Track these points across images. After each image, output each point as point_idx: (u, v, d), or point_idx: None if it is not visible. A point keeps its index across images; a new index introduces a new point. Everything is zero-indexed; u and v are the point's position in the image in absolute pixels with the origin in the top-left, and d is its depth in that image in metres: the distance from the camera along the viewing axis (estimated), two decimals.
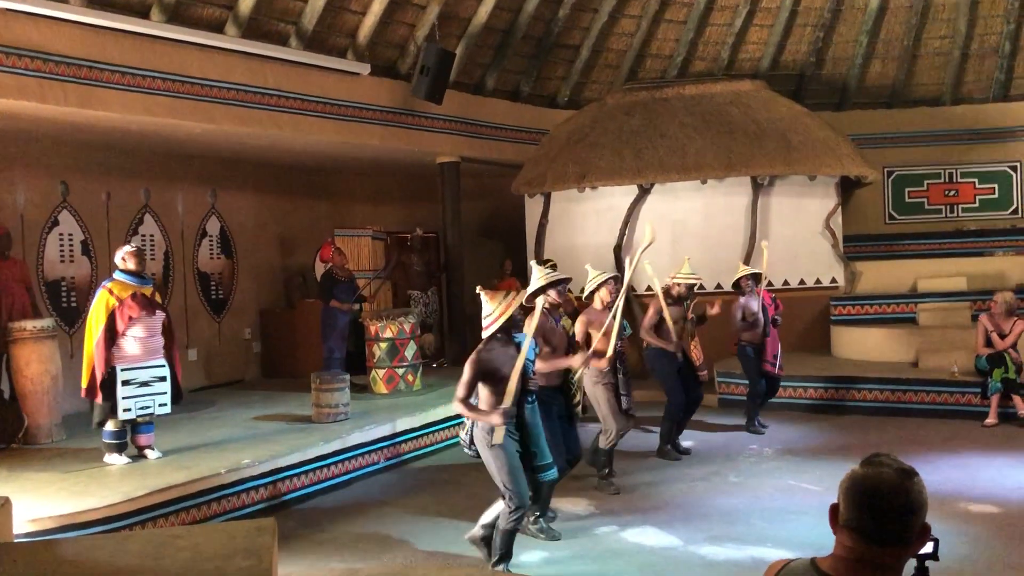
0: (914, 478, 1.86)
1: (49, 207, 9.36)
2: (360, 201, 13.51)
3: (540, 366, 5.68)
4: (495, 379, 4.95)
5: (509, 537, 5.13)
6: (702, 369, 8.22)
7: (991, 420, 8.79)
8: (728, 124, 11.52)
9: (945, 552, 3.14)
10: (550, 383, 5.99)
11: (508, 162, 12.55)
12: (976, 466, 7.23)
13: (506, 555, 5.15)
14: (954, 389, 9.35)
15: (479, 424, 5.03)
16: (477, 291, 5.25)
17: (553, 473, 5.34)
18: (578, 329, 6.65)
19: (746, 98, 12.00)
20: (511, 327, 5.05)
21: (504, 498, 5.04)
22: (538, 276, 5.87)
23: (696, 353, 8.09)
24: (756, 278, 8.83)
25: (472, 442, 5.15)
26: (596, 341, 6.33)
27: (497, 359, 4.98)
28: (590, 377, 6.73)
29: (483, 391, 5.03)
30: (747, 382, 9.08)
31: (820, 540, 5.22)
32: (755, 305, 8.70)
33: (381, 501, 6.95)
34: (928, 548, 2.85)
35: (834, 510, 1.93)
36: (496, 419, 4.86)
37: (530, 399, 5.15)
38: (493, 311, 5.02)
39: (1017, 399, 8.79)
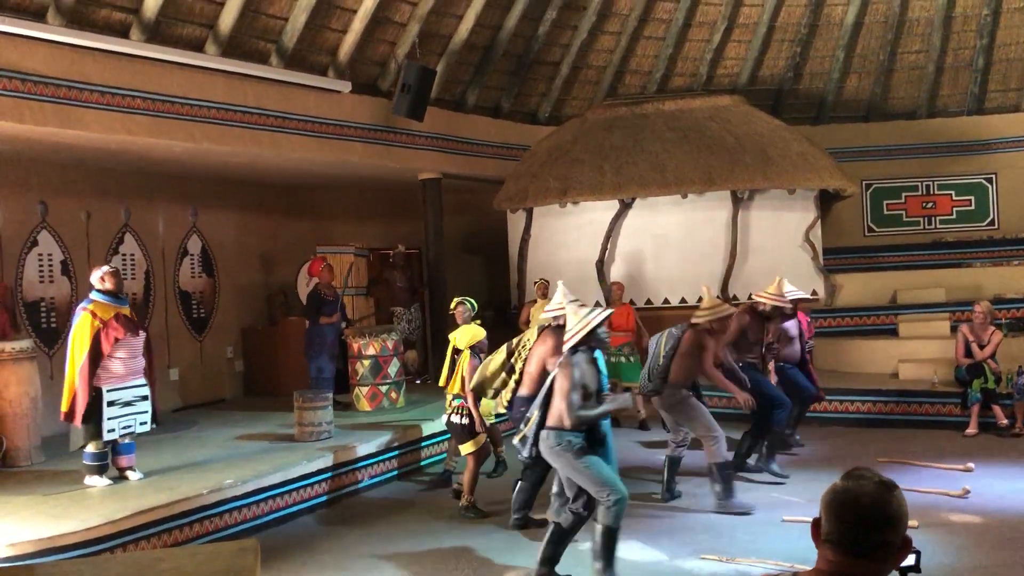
0: (894, 491, 1.88)
1: (28, 227, 9.28)
2: (342, 218, 13.49)
3: None
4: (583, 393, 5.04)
5: (611, 537, 5.06)
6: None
7: (971, 430, 8.87)
8: (707, 139, 11.60)
9: (927, 563, 3.16)
10: None
11: (490, 178, 12.57)
12: (957, 476, 7.28)
13: (610, 560, 5.10)
14: (935, 400, 9.42)
15: (548, 437, 5.10)
16: (566, 303, 5.61)
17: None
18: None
19: (725, 113, 12.10)
20: (593, 342, 5.15)
21: (600, 499, 5.03)
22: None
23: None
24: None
25: (534, 444, 5.22)
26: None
27: (586, 375, 5.06)
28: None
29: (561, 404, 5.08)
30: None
31: (804, 553, 5.25)
32: (794, 329, 8.42)
33: (366, 519, 6.91)
34: (910, 560, 2.88)
35: (816, 524, 1.94)
36: (623, 401, 5.14)
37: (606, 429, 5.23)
38: (577, 326, 5.14)
39: (997, 409, 8.87)
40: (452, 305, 7.76)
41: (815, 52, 13.51)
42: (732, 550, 5.70)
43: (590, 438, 5.12)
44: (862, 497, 1.87)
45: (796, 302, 8.15)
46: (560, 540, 5.25)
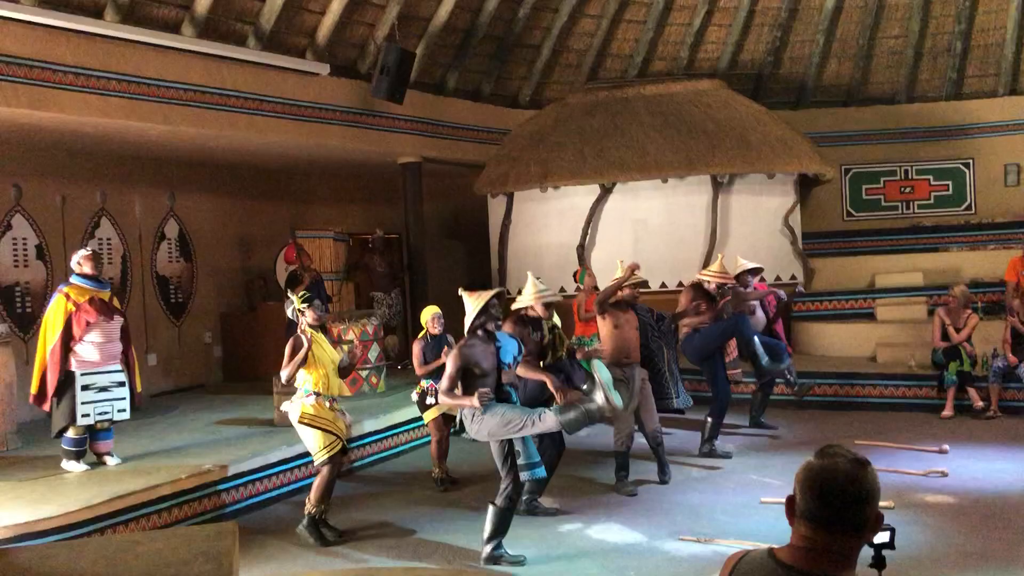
0: (867, 468, 1.89)
1: (1, 211, 9.17)
2: (321, 202, 13.41)
3: (520, 370, 5.90)
4: (474, 374, 5.27)
5: (507, 516, 5.35)
6: (734, 367, 8.31)
7: (947, 412, 8.96)
8: (688, 123, 11.61)
9: (901, 541, 3.19)
10: (531, 393, 6.21)
11: (470, 162, 12.53)
12: (933, 458, 7.36)
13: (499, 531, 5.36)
14: (911, 383, 9.52)
15: (464, 413, 5.35)
16: (459, 292, 5.56)
17: (540, 472, 5.54)
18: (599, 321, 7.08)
19: (705, 97, 12.10)
20: (490, 323, 5.37)
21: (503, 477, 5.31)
22: (531, 291, 6.22)
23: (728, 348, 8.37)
24: (755, 272, 8.76)
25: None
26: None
27: (477, 354, 5.29)
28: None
29: (461, 385, 5.33)
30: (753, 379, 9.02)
31: (781, 534, 5.29)
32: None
33: (345, 504, 6.89)
34: (885, 537, 2.91)
35: (791, 502, 1.95)
36: (475, 402, 5.14)
37: (513, 396, 5.39)
38: (473, 309, 5.37)
39: (972, 391, 8.98)
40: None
41: (795, 37, 13.54)
42: (710, 531, 5.74)
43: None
44: (837, 474, 1.88)
45: (750, 272, 8.62)
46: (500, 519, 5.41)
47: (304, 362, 5.92)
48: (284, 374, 5.92)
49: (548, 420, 5.18)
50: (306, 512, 5.93)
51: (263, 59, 9.68)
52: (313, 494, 5.94)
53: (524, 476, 5.42)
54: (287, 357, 5.93)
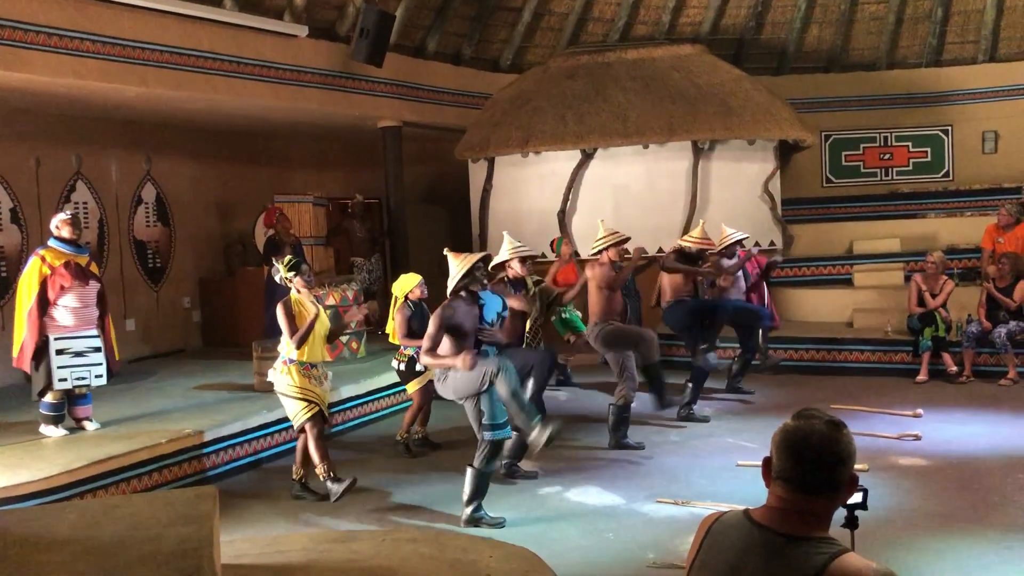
0: (843, 430, 1.92)
1: None
2: (300, 167, 13.30)
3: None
4: (457, 335, 5.32)
5: (485, 478, 5.38)
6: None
7: (922, 377, 9.09)
8: (669, 89, 11.56)
9: (874, 502, 3.25)
10: (511, 343, 6.24)
11: (451, 126, 12.44)
12: (907, 421, 7.47)
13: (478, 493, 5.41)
14: (887, 348, 9.63)
15: (436, 372, 5.45)
16: (444, 252, 5.60)
17: (506, 432, 5.51)
18: (590, 280, 7.24)
19: (687, 62, 12.04)
20: (474, 285, 5.41)
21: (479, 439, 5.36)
22: (507, 248, 6.33)
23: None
24: (741, 242, 8.83)
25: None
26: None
27: (460, 316, 5.33)
28: (597, 335, 7.14)
29: (445, 346, 5.38)
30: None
31: (758, 497, 5.37)
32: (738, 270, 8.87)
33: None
34: (857, 498, 2.96)
35: (767, 463, 1.98)
36: (458, 362, 5.17)
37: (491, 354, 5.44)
38: (457, 270, 5.40)
39: (947, 357, 9.10)
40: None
41: (777, 2, 13.45)
42: (687, 494, 5.82)
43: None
44: (812, 436, 1.91)
45: (737, 243, 8.72)
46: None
47: (295, 330, 6.01)
48: (292, 341, 6.01)
49: (504, 384, 5.26)
50: (293, 478, 6.06)
51: (240, 20, 9.53)
52: (297, 457, 6.06)
53: (487, 436, 5.34)
54: (284, 323, 6.02)
